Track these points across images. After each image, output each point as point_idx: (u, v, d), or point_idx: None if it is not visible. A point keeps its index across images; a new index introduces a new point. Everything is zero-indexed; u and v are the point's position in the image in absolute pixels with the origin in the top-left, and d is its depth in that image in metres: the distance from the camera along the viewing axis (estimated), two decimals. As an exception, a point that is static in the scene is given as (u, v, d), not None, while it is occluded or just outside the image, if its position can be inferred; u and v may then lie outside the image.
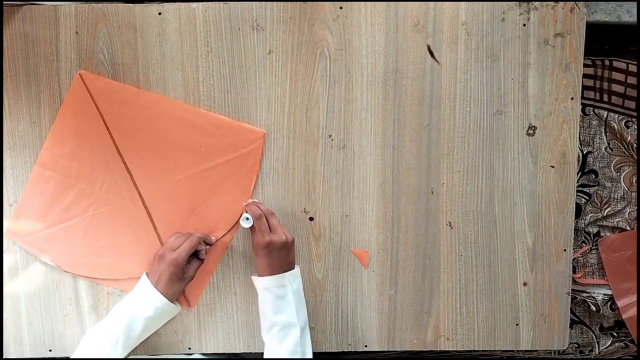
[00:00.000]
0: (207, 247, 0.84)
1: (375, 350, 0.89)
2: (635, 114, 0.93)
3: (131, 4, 0.82)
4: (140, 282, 0.81)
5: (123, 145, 0.84)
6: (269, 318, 0.79)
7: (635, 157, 0.94)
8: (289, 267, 0.81)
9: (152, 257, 0.83)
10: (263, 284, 0.80)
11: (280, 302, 0.79)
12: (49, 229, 0.84)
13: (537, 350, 1.05)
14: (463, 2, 0.82)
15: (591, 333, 1.02)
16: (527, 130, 0.85)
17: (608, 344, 1.02)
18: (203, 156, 0.84)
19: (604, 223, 0.97)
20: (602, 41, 0.96)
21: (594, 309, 0.99)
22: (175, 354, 0.89)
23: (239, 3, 0.81)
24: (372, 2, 0.82)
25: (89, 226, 0.85)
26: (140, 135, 0.83)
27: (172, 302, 0.81)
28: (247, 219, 0.80)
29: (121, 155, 0.84)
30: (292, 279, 0.81)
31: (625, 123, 0.94)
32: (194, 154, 0.84)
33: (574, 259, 0.92)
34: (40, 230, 0.84)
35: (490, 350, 0.98)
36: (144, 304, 0.79)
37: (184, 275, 0.81)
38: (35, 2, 0.82)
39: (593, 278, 0.99)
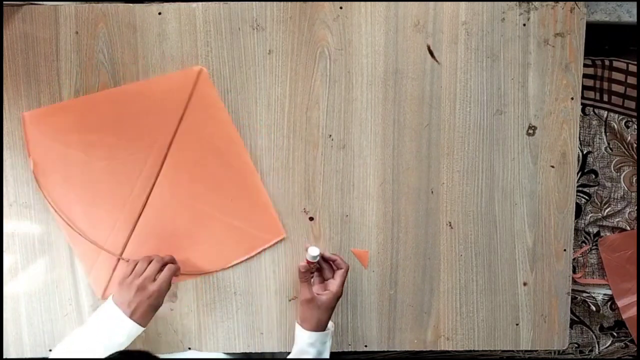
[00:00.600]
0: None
1: (375, 350, 0.89)
2: (635, 114, 0.93)
3: (131, 4, 0.82)
4: (110, 312, 0.76)
5: (176, 148, 0.83)
6: None
7: (635, 157, 0.94)
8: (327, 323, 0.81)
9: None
10: (311, 339, 0.78)
11: (319, 357, 0.79)
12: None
13: (537, 350, 1.05)
14: (463, 2, 0.82)
15: (591, 333, 1.02)
16: (527, 130, 0.85)
17: (608, 344, 1.02)
18: (229, 212, 0.85)
19: (604, 223, 0.97)
20: (602, 41, 0.96)
21: (594, 309, 0.99)
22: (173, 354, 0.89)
23: (239, 3, 0.81)
24: (372, 2, 0.82)
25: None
26: (196, 149, 0.83)
27: (140, 325, 0.76)
28: (315, 256, 0.79)
29: (166, 156, 0.83)
30: (331, 336, 0.82)
31: (625, 123, 0.94)
32: (226, 208, 0.84)
33: (574, 259, 0.92)
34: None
35: (490, 350, 0.99)
36: (116, 334, 0.74)
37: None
38: (35, 2, 0.82)
39: (593, 278, 0.99)
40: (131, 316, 0.75)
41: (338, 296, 0.80)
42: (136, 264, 0.80)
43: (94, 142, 0.83)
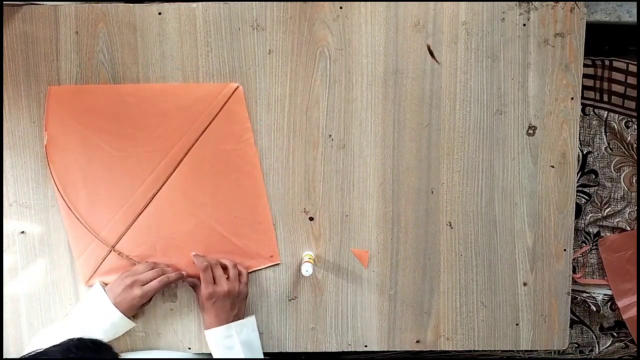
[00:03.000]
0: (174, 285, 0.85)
1: (375, 350, 0.89)
2: (635, 114, 0.93)
3: (131, 4, 0.82)
4: (96, 297, 0.80)
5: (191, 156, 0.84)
6: None
7: (635, 157, 0.94)
8: (237, 319, 0.82)
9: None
10: (210, 335, 0.80)
11: (228, 352, 0.80)
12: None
13: (537, 350, 1.05)
14: (463, 2, 0.82)
15: (591, 333, 1.02)
16: (527, 130, 0.85)
17: (608, 344, 1.02)
18: (230, 227, 0.85)
19: (604, 223, 0.97)
20: (602, 41, 0.96)
21: (594, 309, 0.99)
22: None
23: (239, 3, 0.81)
24: (372, 2, 0.82)
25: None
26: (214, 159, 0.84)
27: (128, 317, 0.80)
28: (307, 270, 0.80)
29: (181, 160, 0.84)
30: (240, 329, 0.81)
31: (625, 123, 0.94)
32: (228, 224, 0.85)
33: (574, 259, 0.91)
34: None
35: (490, 350, 0.99)
36: (100, 318, 0.78)
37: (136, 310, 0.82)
38: (35, 2, 0.82)
39: (593, 278, 0.99)
40: (115, 302, 0.78)
41: (212, 290, 0.81)
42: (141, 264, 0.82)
43: (113, 131, 0.83)
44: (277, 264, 0.87)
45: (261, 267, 0.87)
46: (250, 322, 0.84)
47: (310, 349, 0.89)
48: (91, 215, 0.84)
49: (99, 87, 0.83)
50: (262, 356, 0.84)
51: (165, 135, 0.83)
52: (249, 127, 0.83)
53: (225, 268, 0.84)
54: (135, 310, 0.82)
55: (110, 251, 0.85)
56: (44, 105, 0.83)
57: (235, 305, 0.82)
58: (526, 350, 1.05)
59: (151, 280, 0.80)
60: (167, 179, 0.84)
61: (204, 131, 0.83)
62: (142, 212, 0.84)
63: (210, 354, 0.85)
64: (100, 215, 0.84)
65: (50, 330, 0.80)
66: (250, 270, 0.87)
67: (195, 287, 0.84)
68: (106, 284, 0.83)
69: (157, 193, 0.84)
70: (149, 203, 0.84)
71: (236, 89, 0.83)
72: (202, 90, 0.83)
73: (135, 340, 0.87)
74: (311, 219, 0.86)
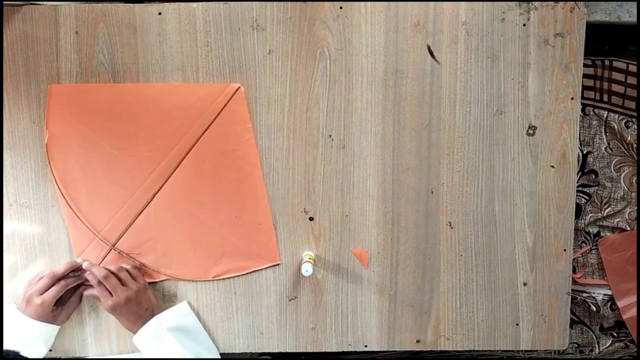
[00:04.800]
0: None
1: (375, 350, 0.89)
2: (635, 114, 0.93)
3: (131, 4, 0.82)
4: (11, 315, 0.81)
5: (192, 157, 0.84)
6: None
7: (635, 157, 0.94)
8: (152, 314, 0.82)
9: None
10: (140, 338, 0.81)
11: (161, 345, 0.80)
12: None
13: (537, 350, 1.05)
14: (463, 2, 0.82)
15: (591, 333, 1.02)
16: (527, 130, 0.85)
17: (608, 344, 1.02)
18: (230, 228, 0.85)
19: (604, 223, 0.97)
20: (602, 41, 0.96)
21: (594, 309, 0.99)
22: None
23: (239, 3, 0.81)
24: (372, 2, 0.82)
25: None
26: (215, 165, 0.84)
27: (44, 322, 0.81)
28: (307, 270, 0.80)
29: (182, 160, 0.84)
30: (164, 320, 0.82)
31: (625, 123, 0.94)
32: (228, 224, 0.85)
33: (574, 259, 0.91)
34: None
35: (490, 350, 0.99)
36: (14, 330, 0.79)
37: (53, 318, 0.82)
38: (35, 2, 0.82)
39: (593, 278, 0.99)
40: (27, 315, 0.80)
41: (110, 304, 0.81)
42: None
43: (114, 130, 0.83)
44: (277, 265, 0.87)
45: (261, 267, 0.87)
46: (178, 309, 0.84)
47: (310, 349, 0.89)
48: (92, 213, 0.84)
49: (100, 86, 0.83)
50: (208, 338, 0.84)
51: (166, 135, 0.83)
52: (250, 127, 0.83)
53: (114, 273, 0.83)
54: (49, 317, 0.81)
55: (111, 250, 0.85)
56: (44, 105, 0.83)
57: (141, 304, 0.82)
58: (526, 350, 1.05)
59: (48, 288, 0.81)
60: (168, 179, 0.84)
61: (205, 131, 0.83)
62: (142, 211, 0.84)
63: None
64: (101, 213, 0.84)
65: None
66: (250, 270, 0.87)
67: (98, 300, 0.84)
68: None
69: (157, 192, 0.84)
70: (150, 202, 0.84)
71: (237, 89, 0.83)
72: (203, 90, 0.83)
73: (127, 342, 0.87)
74: (311, 219, 0.86)
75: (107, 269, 0.82)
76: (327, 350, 0.89)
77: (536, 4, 0.82)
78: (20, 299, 0.83)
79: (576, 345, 1.03)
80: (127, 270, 0.83)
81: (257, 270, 0.87)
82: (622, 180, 0.96)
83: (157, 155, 0.83)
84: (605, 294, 0.98)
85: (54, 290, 0.80)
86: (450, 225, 0.87)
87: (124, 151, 0.83)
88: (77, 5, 0.81)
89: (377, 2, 0.81)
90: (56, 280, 0.81)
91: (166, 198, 0.84)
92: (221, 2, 0.82)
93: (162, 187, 0.84)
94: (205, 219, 0.85)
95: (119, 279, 0.82)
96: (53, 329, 0.83)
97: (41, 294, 0.80)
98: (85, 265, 0.83)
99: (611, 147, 0.95)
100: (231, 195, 0.85)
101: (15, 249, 0.86)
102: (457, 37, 0.83)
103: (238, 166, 0.84)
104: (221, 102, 0.83)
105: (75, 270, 0.84)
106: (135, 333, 0.82)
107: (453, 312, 0.88)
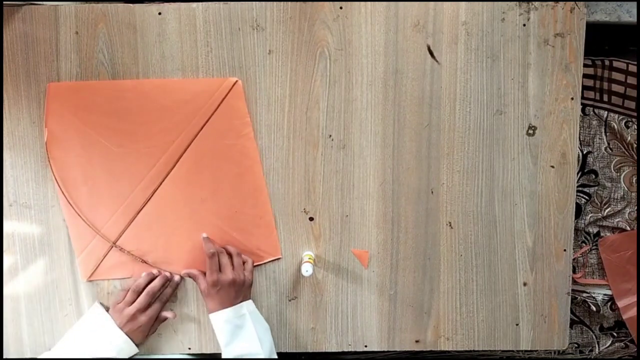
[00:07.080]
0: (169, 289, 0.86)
1: (375, 350, 0.89)
2: (635, 114, 0.93)
3: (131, 4, 0.82)
4: (101, 322, 0.82)
5: (191, 152, 0.84)
6: (232, 349, 0.79)
7: (635, 157, 0.94)
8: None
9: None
10: (223, 316, 0.80)
11: (240, 331, 0.79)
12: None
13: (537, 350, 1.05)
14: (463, 2, 0.82)
15: (591, 333, 1.02)
16: (527, 130, 0.85)
17: (608, 344, 1.02)
18: (231, 223, 0.85)
19: (604, 223, 0.97)
20: (602, 41, 0.96)
21: (594, 309, 0.99)
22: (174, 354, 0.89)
23: (239, 3, 0.81)
24: (372, 2, 0.82)
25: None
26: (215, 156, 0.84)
27: (134, 343, 0.82)
28: (307, 270, 0.80)
29: (181, 156, 0.84)
30: (251, 308, 0.82)
31: (625, 123, 0.94)
32: (229, 219, 0.85)
33: (574, 259, 0.91)
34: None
35: (490, 350, 0.98)
36: (106, 343, 0.80)
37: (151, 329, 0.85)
38: (35, 2, 0.82)
39: (593, 278, 0.99)
40: (122, 326, 0.81)
41: (217, 277, 0.81)
42: (127, 292, 0.83)
43: (113, 127, 0.83)
44: (279, 259, 0.87)
45: (263, 262, 0.87)
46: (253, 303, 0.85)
47: (310, 349, 0.89)
48: (92, 211, 0.84)
49: (98, 84, 0.83)
50: (268, 326, 0.84)
51: (165, 131, 0.83)
52: (248, 121, 0.83)
53: (230, 256, 0.84)
54: (143, 339, 0.83)
55: (112, 247, 0.85)
56: (44, 105, 0.83)
57: (239, 294, 0.81)
58: (526, 350, 1.05)
59: (149, 304, 0.82)
60: (168, 175, 0.84)
61: (203, 126, 0.83)
62: (142, 207, 0.85)
63: (210, 355, 0.85)
64: (101, 211, 0.85)
65: (53, 353, 0.80)
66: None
67: (194, 278, 0.84)
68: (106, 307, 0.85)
69: (157, 189, 0.84)
70: (150, 199, 0.84)
71: (235, 83, 0.83)
72: (201, 85, 0.83)
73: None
74: (311, 219, 0.86)
75: (227, 249, 0.84)
76: (327, 350, 0.89)
77: (536, 4, 0.82)
78: (112, 309, 0.84)
79: (576, 345, 1.03)
80: (244, 261, 0.84)
81: (258, 266, 0.87)
82: (622, 180, 0.96)
83: (156, 152, 0.83)
84: (605, 294, 0.98)
85: (157, 307, 0.83)
86: (450, 225, 0.87)
87: (123, 148, 0.83)
88: (77, 5, 0.81)
89: (377, 2, 0.81)
90: (152, 295, 0.83)
91: (166, 194, 0.84)
92: (221, 2, 0.82)
93: (161, 183, 0.84)
94: (205, 214, 0.85)
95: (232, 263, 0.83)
96: (132, 349, 0.83)
97: (145, 310, 0.82)
98: (204, 235, 0.84)
99: (611, 147, 0.95)
100: (231, 189, 0.85)
101: (15, 249, 0.86)
102: (457, 37, 0.83)
103: (237, 160, 0.84)
104: (219, 97, 0.82)
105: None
106: (214, 312, 0.81)
107: (453, 312, 0.88)
